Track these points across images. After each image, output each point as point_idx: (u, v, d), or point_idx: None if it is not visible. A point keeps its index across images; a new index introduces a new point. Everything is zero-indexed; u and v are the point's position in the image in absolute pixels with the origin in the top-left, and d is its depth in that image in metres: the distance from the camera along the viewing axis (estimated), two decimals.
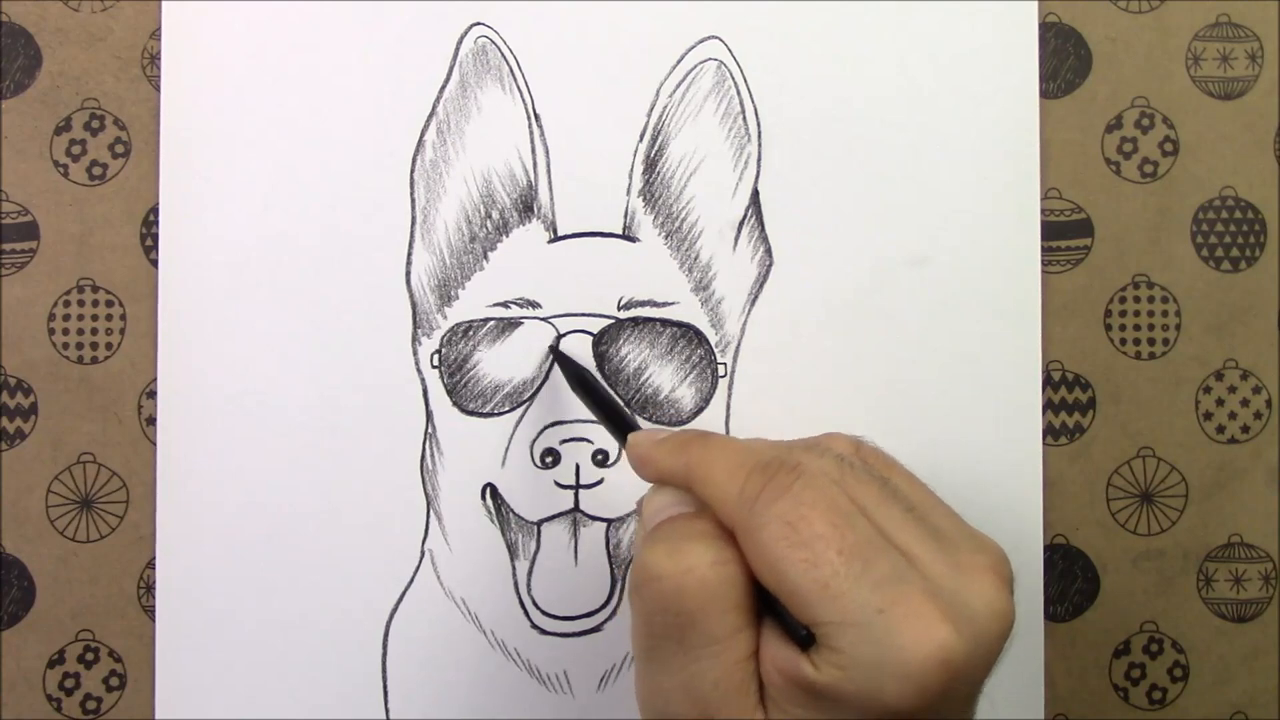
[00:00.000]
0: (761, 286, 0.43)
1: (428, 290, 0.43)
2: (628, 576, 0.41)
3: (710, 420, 0.43)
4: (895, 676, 0.26)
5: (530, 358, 0.43)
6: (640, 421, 0.41)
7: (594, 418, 0.41)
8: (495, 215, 0.43)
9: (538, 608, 0.43)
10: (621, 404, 0.39)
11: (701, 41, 0.43)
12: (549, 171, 0.43)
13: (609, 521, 0.42)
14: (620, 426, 0.37)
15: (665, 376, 0.43)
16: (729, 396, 0.43)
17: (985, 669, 0.28)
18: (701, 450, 0.31)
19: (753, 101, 0.43)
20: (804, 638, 0.28)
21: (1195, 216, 0.44)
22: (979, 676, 0.28)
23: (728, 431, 0.43)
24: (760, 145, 0.44)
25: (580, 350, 0.43)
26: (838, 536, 0.27)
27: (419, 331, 0.43)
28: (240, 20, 0.43)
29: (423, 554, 0.43)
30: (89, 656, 0.43)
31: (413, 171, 0.43)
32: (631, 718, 0.31)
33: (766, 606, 0.29)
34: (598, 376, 0.42)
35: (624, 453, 0.35)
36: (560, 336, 0.43)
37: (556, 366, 0.42)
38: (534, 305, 0.43)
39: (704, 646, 0.29)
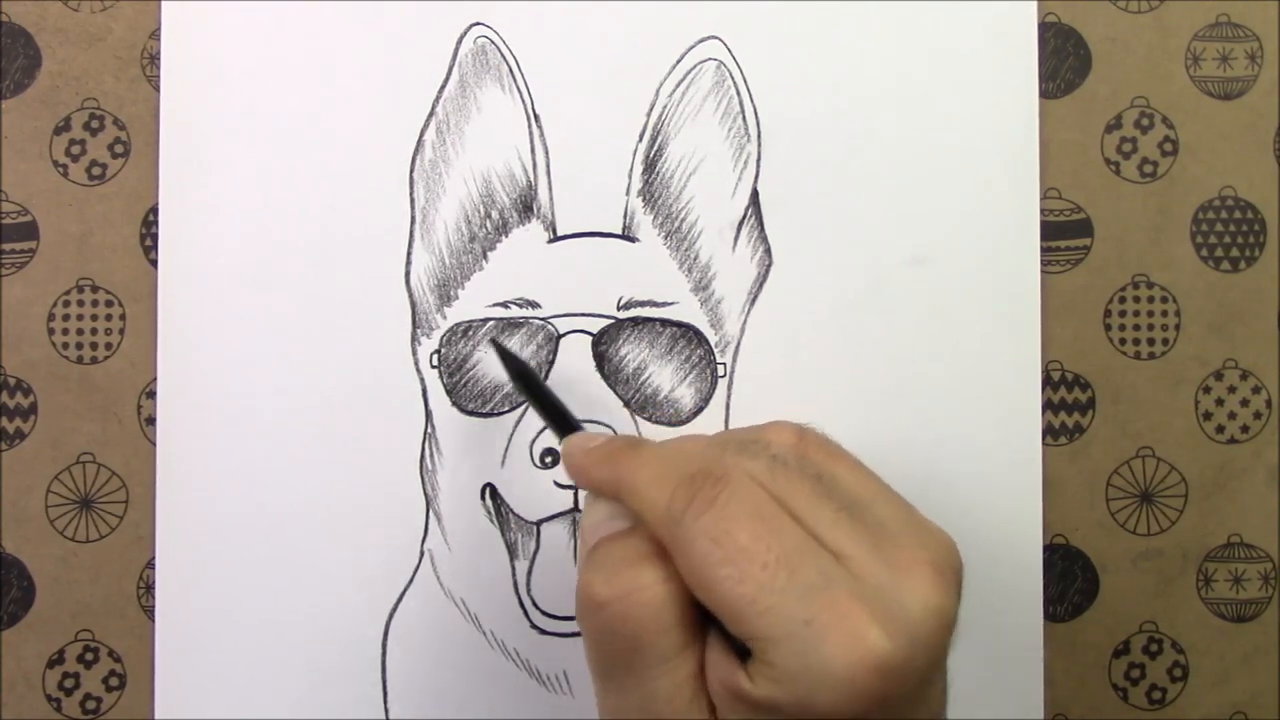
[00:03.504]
0: (761, 286, 0.43)
1: (427, 290, 0.43)
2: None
3: (710, 420, 0.43)
4: (825, 686, 0.26)
5: (530, 358, 0.43)
6: (581, 423, 0.40)
7: (594, 418, 0.41)
8: (495, 215, 0.43)
9: (537, 608, 0.43)
10: (562, 403, 0.38)
11: (701, 41, 0.43)
12: (548, 171, 0.43)
13: None
14: (562, 427, 0.37)
15: (665, 376, 0.43)
16: (729, 396, 0.43)
17: (926, 668, 0.27)
18: (629, 461, 0.31)
19: (752, 101, 0.43)
20: (741, 650, 0.28)
21: (1195, 216, 0.44)
22: (919, 676, 0.27)
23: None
24: (760, 145, 0.44)
25: (580, 350, 0.43)
26: (762, 548, 0.27)
27: (418, 331, 0.43)
28: (240, 20, 0.43)
29: (422, 554, 0.43)
30: (89, 656, 0.43)
31: (412, 171, 0.43)
32: None
33: (708, 617, 0.29)
34: (539, 373, 0.42)
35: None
36: (496, 334, 0.43)
37: (555, 366, 0.42)
38: (533, 305, 0.43)
39: (653, 667, 0.29)
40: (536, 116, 0.43)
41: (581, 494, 0.42)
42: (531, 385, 0.39)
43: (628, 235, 0.43)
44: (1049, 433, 0.44)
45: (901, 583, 0.28)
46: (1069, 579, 0.44)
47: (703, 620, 0.29)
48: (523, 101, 0.43)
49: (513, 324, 0.43)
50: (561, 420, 0.37)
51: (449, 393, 0.43)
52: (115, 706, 0.43)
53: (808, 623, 0.26)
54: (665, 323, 0.43)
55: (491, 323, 0.43)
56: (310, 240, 0.43)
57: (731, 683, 0.28)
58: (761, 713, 0.27)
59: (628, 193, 0.43)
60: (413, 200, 0.43)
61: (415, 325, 0.43)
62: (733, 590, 0.27)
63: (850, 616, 0.26)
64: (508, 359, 0.40)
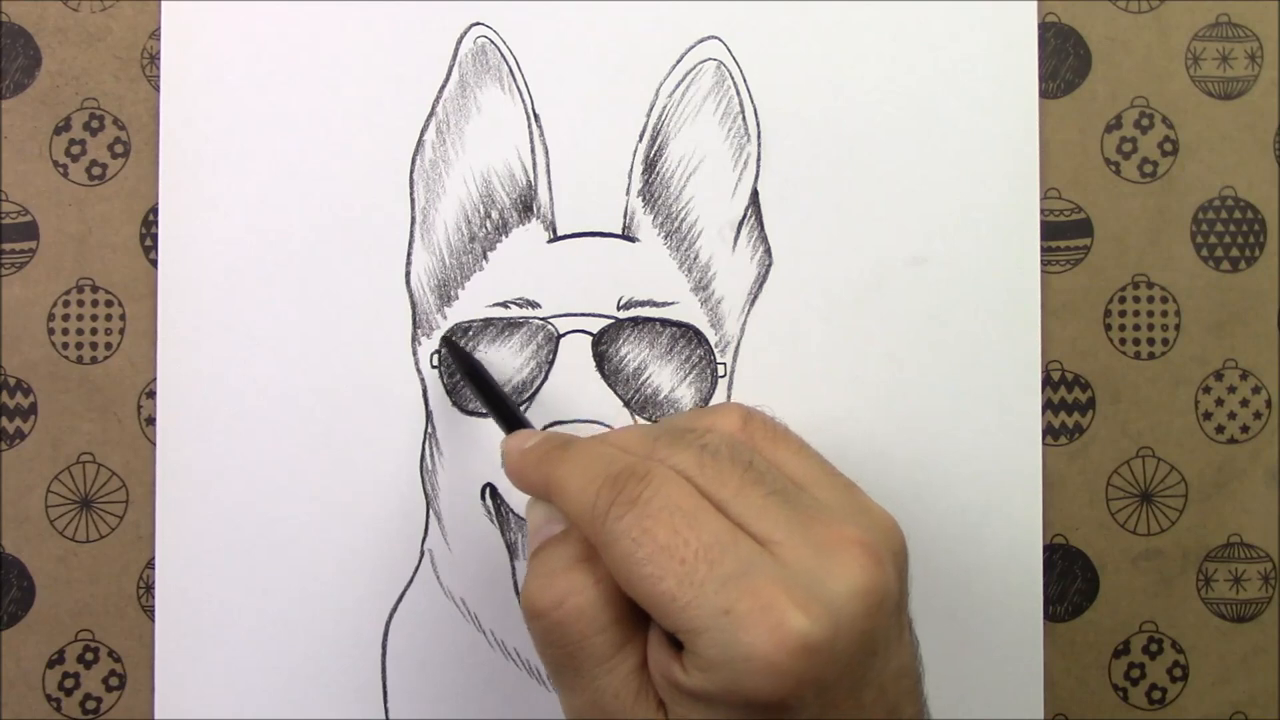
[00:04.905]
0: (761, 286, 0.43)
1: (427, 290, 0.43)
2: None
3: None
4: (749, 673, 0.26)
5: (530, 358, 0.43)
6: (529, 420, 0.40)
7: (594, 418, 0.41)
8: (495, 215, 0.43)
9: None
10: (512, 401, 0.38)
11: (701, 41, 0.43)
12: (548, 171, 0.43)
13: None
14: (511, 425, 0.37)
15: (665, 376, 0.43)
16: (729, 396, 0.43)
17: (857, 650, 0.27)
18: (559, 462, 0.31)
19: (752, 101, 0.43)
20: (677, 641, 0.28)
21: (1195, 216, 0.44)
22: (847, 656, 0.27)
23: None
24: (760, 145, 0.44)
25: (580, 350, 0.43)
26: (681, 544, 0.28)
27: (419, 331, 0.43)
28: (240, 20, 0.43)
29: (422, 554, 0.43)
30: (89, 656, 0.43)
31: (412, 171, 0.43)
32: None
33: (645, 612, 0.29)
34: (489, 371, 0.42)
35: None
36: (447, 342, 0.43)
37: (555, 366, 0.42)
38: (533, 305, 0.43)
39: (596, 667, 0.29)
40: (536, 116, 0.43)
41: None
42: (482, 384, 0.40)
43: (628, 235, 0.43)
44: (1049, 433, 0.44)
45: (828, 564, 0.28)
46: (1069, 579, 0.44)
47: (642, 615, 0.29)
48: (523, 101, 0.43)
49: (513, 324, 0.43)
50: (511, 419, 0.37)
51: (449, 393, 0.43)
52: (115, 706, 0.43)
53: (727, 612, 0.27)
54: (665, 323, 0.43)
55: (483, 322, 0.43)
56: (310, 240, 0.43)
57: (668, 674, 0.28)
58: (697, 702, 0.28)
59: (628, 193, 0.43)
60: (413, 200, 0.43)
61: (415, 325, 0.43)
62: (655, 588, 0.27)
63: (769, 602, 0.27)
64: (459, 357, 0.41)
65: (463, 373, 0.41)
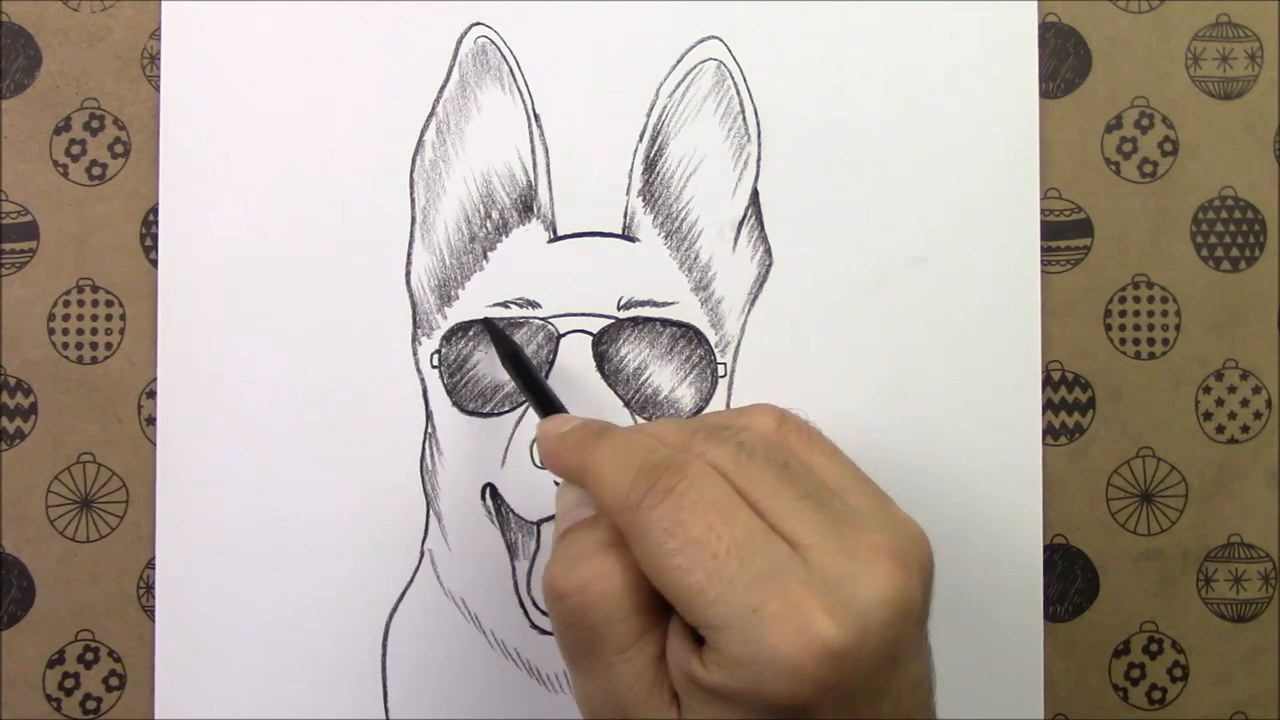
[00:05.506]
0: (761, 286, 0.43)
1: (427, 290, 0.43)
2: None
3: None
4: (772, 674, 0.26)
5: (530, 358, 0.43)
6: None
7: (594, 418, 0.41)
8: (495, 215, 0.43)
9: (537, 608, 0.43)
10: (548, 387, 0.39)
11: (701, 41, 0.43)
12: (549, 171, 0.43)
13: None
14: (547, 410, 0.37)
15: (665, 376, 0.43)
16: (729, 396, 0.43)
17: (879, 656, 0.27)
18: (595, 448, 0.31)
19: (752, 101, 0.43)
20: (698, 636, 0.28)
21: (1195, 216, 0.44)
22: (871, 664, 0.27)
23: None
24: (760, 145, 0.44)
25: (580, 350, 0.43)
26: (714, 538, 0.27)
27: (419, 331, 0.43)
28: (240, 20, 0.43)
29: (422, 554, 0.43)
30: (89, 656, 0.43)
31: (412, 171, 0.43)
32: None
33: (668, 603, 0.29)
34: (529, 356, 0.42)
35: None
36: (487, 323, 0.43)
37: (555, 366, 0.42)
38: (534, 305, 0.43)
39: (614, 654, 0.29)
40: (536, 116, 0.43)
41: None
42: (520, 366, 0.40)
43: (628, 235, 0.43)
44: (1049, 433, 0.44)
45: (857, 571, 0.28)
46: (1069, 579, 0.44)
47: (664, 606, 0.29)
48: (523, 101, 0.43)
49: (513, 324, 0.43)
50: (546, 403, 0.37)
51: (449, 393, 0.43)
52: (115, 706, 0.43)
53: (755, 611, 0.27)
54: (665, 323, 0.43)
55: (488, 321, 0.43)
56: (310, 240, 0.43)
57: (687, 668, 0.28)
58: (715, 698, 0.28)
59: (628, 193, 0.43)
60: (413, 200, 0.43)
61: (415, 325, 0.43)
62: (683, 580, 0.27)
63: (798, 604, 0.26)
64: (499, 338, 0.41)
65: (501, 353, 0.41)
